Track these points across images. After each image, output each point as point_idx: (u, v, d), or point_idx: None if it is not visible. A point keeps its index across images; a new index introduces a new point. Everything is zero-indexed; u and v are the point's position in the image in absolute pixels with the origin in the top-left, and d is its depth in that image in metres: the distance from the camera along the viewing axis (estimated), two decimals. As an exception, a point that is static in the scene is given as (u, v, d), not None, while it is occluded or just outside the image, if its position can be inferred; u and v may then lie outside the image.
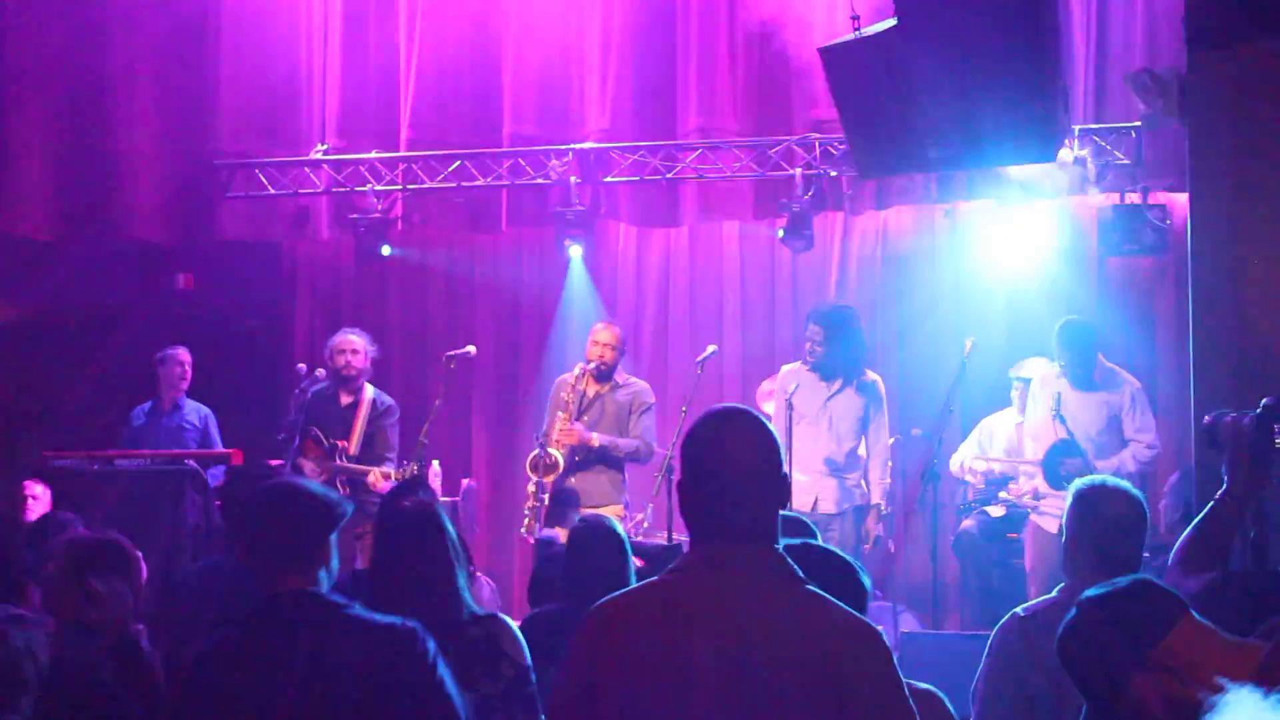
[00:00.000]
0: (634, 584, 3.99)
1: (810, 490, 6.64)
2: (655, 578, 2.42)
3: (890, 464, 7.02)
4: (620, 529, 4.38)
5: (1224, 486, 3.08)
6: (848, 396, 6.87)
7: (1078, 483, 3.43)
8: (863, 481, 6.89)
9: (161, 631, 4.48)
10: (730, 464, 2.36)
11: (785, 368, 7.19)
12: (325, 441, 7.19)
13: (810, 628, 2.28)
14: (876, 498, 6.80)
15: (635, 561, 4.57)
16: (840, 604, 2.35)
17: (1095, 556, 3.27)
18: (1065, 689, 3.16)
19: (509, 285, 9.28)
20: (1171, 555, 3.12)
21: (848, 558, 2.90)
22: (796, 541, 2.60)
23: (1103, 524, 3.27)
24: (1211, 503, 3.11)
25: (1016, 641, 3.30)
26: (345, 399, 7.43)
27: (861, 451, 6.89)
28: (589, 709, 2.31)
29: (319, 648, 2.83)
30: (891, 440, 7.86)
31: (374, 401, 7.35)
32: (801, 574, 2.37)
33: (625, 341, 7.33)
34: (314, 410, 7.38)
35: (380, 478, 7.05)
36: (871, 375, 7.04)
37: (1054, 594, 3.38)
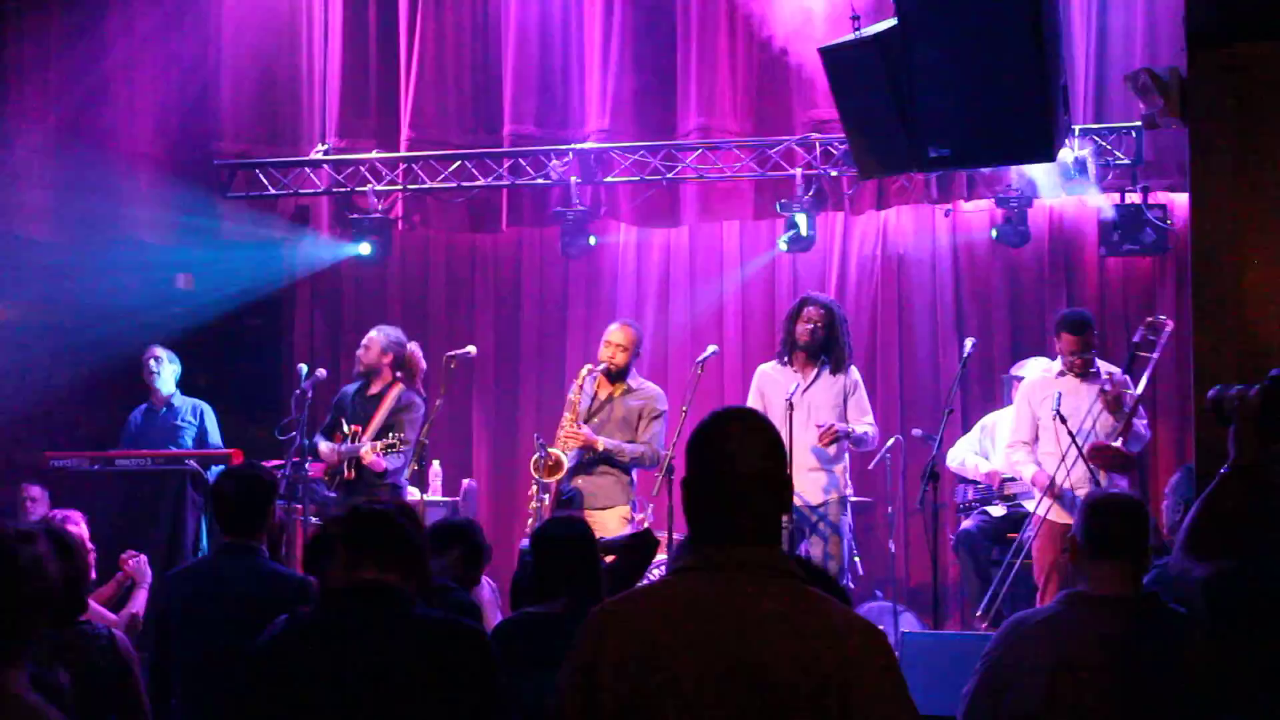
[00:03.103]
0: (603, 581, 4.06)
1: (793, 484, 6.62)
2: (657, 579, 2.42)
3: (876, 431, 6.99)
4: (585, 523, 4.35)
5: (1229, 461, 3.05)
6: (823, 386, 6.85)
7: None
8: (846, 474, 6.90)
9: (155, 634, 4.50)
10: (735, 465, 2.37)
11: (762, 368, 7.14)
12: (346, 429, 7.27)
13: (812, 628, 2.28)
14: (844, 428, 6.80)
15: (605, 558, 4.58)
16: (841, 604, 2.36)
17: (1101, 563, 3.27)
18: (1057, 697, 3.17)
19: (509, 285, 9.28)
20: (1177, 539, 3.08)
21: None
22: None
23: (1108, 532, 3.28)
24: (1216, 479, 3.06)
25: (1012, 649, 3.29)
26: (372, 390, 7.48)
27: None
28: (590, 710, 2.31)
29: (383, 640, 2.92)
30: (891, 440, 7.87)
31: (399, 396, 7.38)
32: (803, 575, 2.37)
33: (639, 343, 7.20)
34: (344, 403, 7.52)
35: (370, 451, 7.08)
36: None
37: (1053, 603, 3.38)
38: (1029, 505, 7.15)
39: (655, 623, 2.31)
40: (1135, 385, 6.72)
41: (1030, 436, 6.82)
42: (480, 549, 4.60)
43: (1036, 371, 7.13)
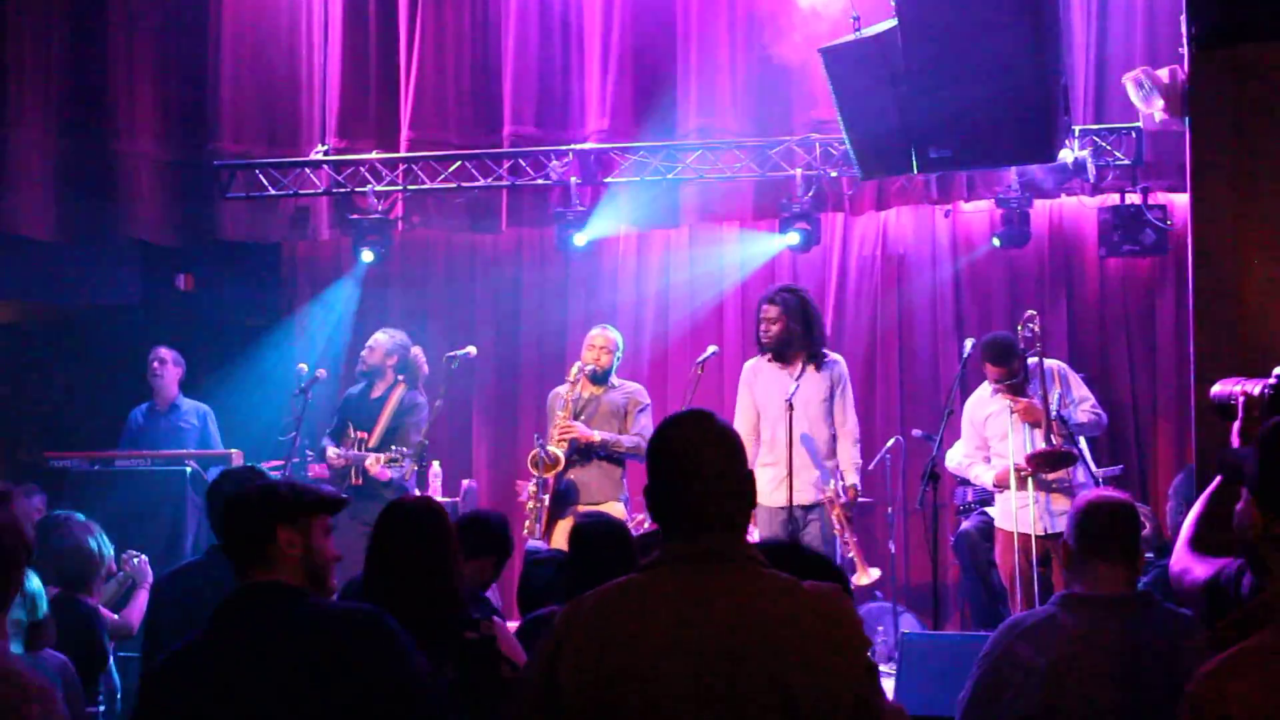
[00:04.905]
0: None
1: (786, 483, 6.62)
2: (627, 575, 2.45)
3: (859, 443, 6.95)
4: (622, 522, 4.38)
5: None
6: (810, 380, 6.82)
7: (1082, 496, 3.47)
8: (839, 470, 6.87)
9: (147, 634, 4.49)
10: (692, 464, 2.41)
11: (748, 364, 7.14)
12: (352, 433, 7.32)
13: (773, 614, 2.31)
14: (852, 478, 6.76)
15: None
16: (805, 584, 2.37)
17: (1095, 565, 3.27)
18: (1053, 698, 3.17)
19: (509, 285, 9.27)
20: (1180, 536, 3.08)
21: (824, 555, 2.93)
22: (782, 542, 2.68)
23: (1100, 534, 3.28)
24: (1220, 476, 3.05)
25: (1008, 652, 3.29)
26: (375, 393, 7.56)
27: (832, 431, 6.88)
28: (550, 702, 2.33)
29: (281, 638, 2.81)
30: (891, 441, 7.86)
31: (402, 398, 7.47)
32: (767, 561, 2.40)
33: (620, 346, 7.35)
34: (348, 405, 7.59)
35: (375, 463, 7.15)
36: (832, 355, 6.99)
37: (1049, 605, 3.38)
38: (992, 512, 7.14)
39: (622, 617, 2.34)
40: (1052, 382, 6.71)
41: (981, 456, 6.92)
42: (510, 550, 4.61)
43: (975, 391, 7.11)
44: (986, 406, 6.90)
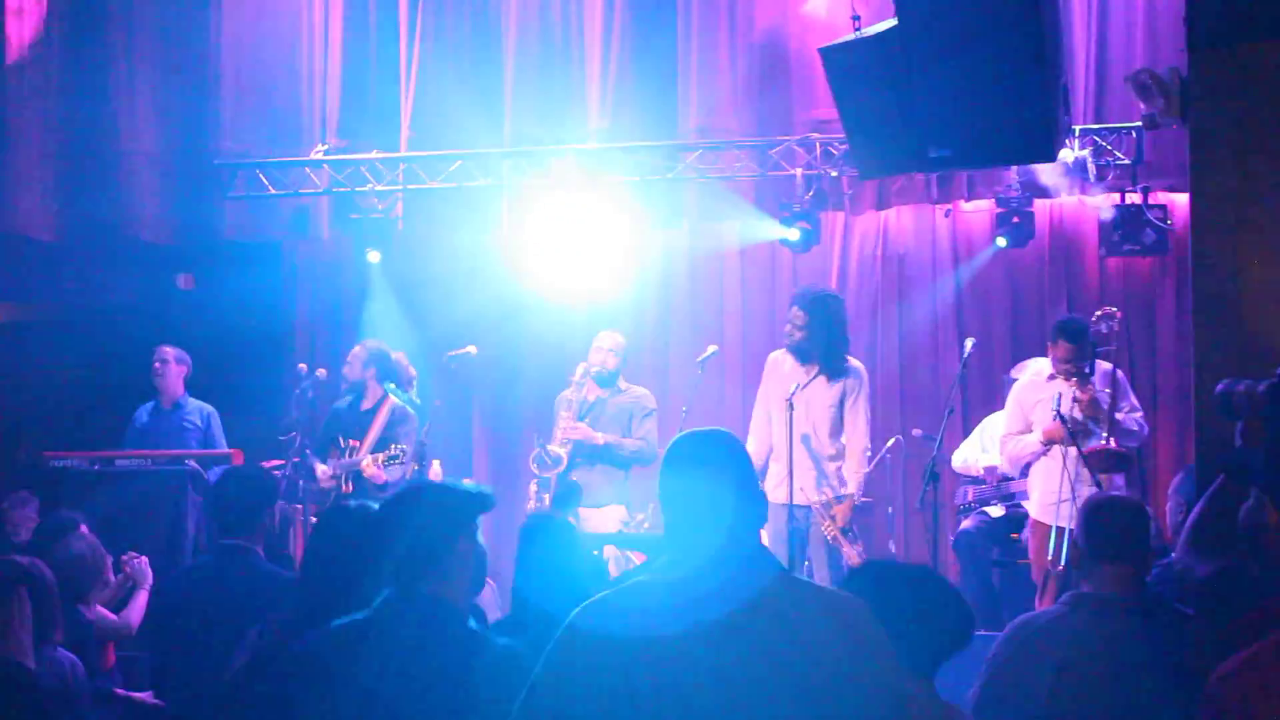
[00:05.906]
0: (584, 582, 4.03)
1: (787, 482, 6.59)
2: (637, 580, 2.45)
3: (870, 453, 6.87)
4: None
5: None
6: (822, 383, 6.76)
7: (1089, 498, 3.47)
8: (843, 471, 6.82)
9: (150, 635, 4.50)
10: (701, 471, 2.43)
11: (772, 355, 7.06)
12: (342, 443, 7.29)
13: (802, 615, 2.30)
14: (851, 488, 6.70)
15: (635, 557, 4.57)
16: (817, 585, 2.38)
17: (1104, 564, 3.28)
18: (1062, 698, 3.18)
19: (509, 285, 9.26)
20: (1181, 537, 3.08)
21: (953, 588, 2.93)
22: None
23: (1109, 534, 3.28)
24: (1222, 475, 3.06)
25: (1018, 652, 3.30)
26: (366, 404, 7.53)
27: (843, 439, 6.81)
28: (565, 700, 2.33)
29: (430, 653, 2.76)
30: (891, 441, 7.85)
31: (393, 409, 7.44)
32: (780, 564, 2.41)
33: (626, 348, 7.38)
34: (336, 419, 7.56)
35: (371, 464, 7.10)
36: (853, 362, 6.88)
37: (1058, 605, 3.38)
38: (1027, 505, 7.14)
39: (640, 617, 2.34)
40: (1107, 383, 6.59)
41: (1023, 429, 6.77)
42: (484, 554, 4.58)
43: (1028, 374, 7.08)
44: (1040, 391, 6.71)
